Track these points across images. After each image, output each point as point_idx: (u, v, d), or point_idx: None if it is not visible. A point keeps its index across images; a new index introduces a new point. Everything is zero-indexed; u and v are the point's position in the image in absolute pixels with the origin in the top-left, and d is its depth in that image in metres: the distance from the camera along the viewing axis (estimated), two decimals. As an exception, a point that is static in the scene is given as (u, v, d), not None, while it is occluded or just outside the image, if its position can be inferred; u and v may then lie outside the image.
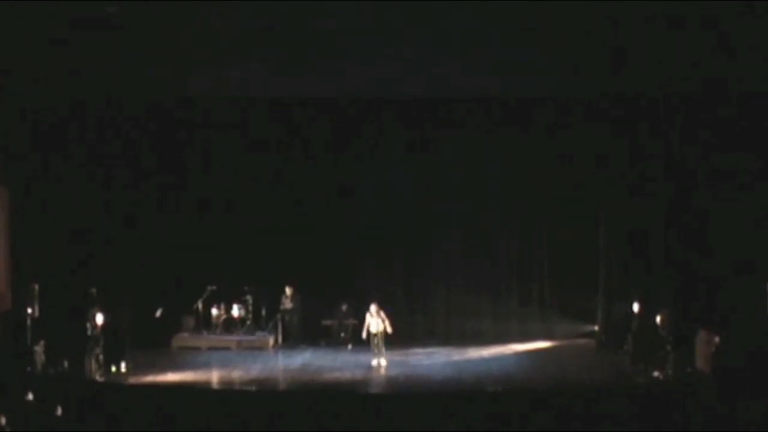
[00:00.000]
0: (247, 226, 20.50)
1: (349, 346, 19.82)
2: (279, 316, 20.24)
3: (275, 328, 20.26)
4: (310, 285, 20.35)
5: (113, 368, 16.96)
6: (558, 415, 13.29)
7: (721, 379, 14.70)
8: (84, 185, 19.10)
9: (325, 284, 20.51)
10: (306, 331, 20.48)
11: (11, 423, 11.91)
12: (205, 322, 20.35)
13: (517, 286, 21.10)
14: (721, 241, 18.27)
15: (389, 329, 17.98)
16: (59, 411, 12.62)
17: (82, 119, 19.06)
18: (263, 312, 20.48)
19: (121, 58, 17.76)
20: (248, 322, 20.39)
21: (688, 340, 16.33)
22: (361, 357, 18.62)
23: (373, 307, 18.20)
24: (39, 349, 16.43)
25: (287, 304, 20.27)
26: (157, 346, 19.35)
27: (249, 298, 20.39)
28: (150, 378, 16.64)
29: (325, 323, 20.44)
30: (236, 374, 17.18)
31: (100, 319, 16.98)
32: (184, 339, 20.10)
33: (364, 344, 18.61)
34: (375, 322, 18.21)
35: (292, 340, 20.30)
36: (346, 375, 17.13)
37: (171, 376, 16.81)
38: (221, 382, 16.95)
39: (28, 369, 16.06)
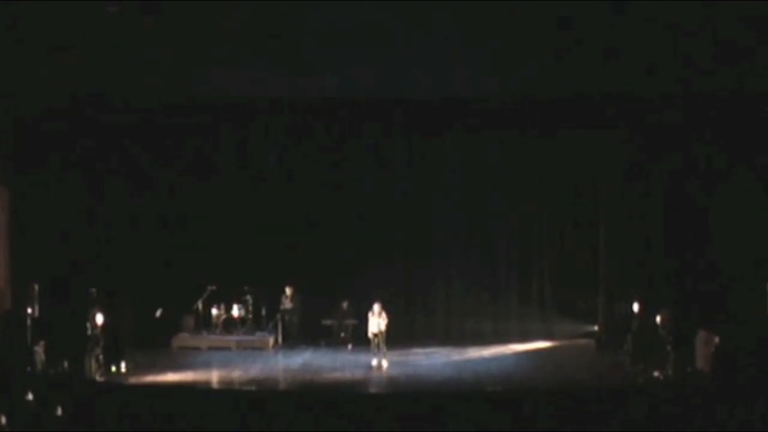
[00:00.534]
0: (247, 226, 20.51)
1: (349, 346, 19.83)
2: (279, 316, 20.25)
3: (275, 328, 20.26)
4: (310, 285, 20.36)
5: (113, 368, 16.95)
6: (558, 415, 13.29)
7: (721, 379, 14.71)
8: (84, 185, 19.10)
9: (325, 284, 20.50)
10: (306, 331, 20.49)
11: (11, 423, 11.92)
12: (205, 322, 20.35)
13: (517, 286, 21.10)
14: (721, 241, 18.27)
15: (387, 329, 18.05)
16: (59, 411, 12.62)
17: (82, 119, 19.05)
18: (263, 312, 20.49)
19: (121, 58, 17.77)
20: (248, 322, 20.39)
21: (688, 340, 16.33)
22: (361, 357, 18.64)
23: (376, 307, 18.27)
24: (39, 349, 16.44)
25: (287, 304, 20.28)
26: (157, 346, 19.34)
27: (249, 298, 20.40)
28: (150, 378, 16.65)
29: (325, 323, 20.43)
30: (236, 374, 17.18)
31: (100, 319, 16.98)
32: (184, 339, 20.10)
33: (364, 344, 18.63)
34: (377, 322, 18.24)
35: (292, 340, 20.31)
36: (346, 375, 17.14)
37: (171, 376, 16.81)
38: (221, 382, 16.95)
39: (28, 369, 16.07)
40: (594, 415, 13.24)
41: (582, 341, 20.24)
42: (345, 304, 20.22)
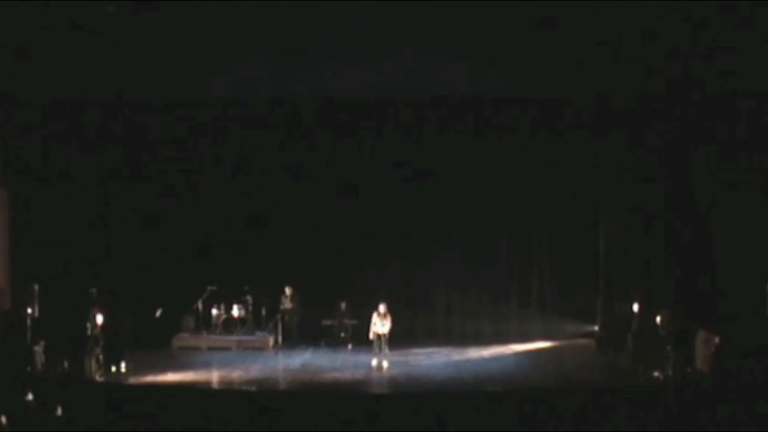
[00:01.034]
0: (247, 226, 20.51)
1: (349, 346, 19.83)
2: (279, 316, 20.24)
3: (275, 328, 20.26)
4: (310, 285, 20.35)
5: (113, 368, 16.93)
6: (558, 415, 13.29)
7: (721, 379, 14.71)
8: (84, 185, 19.10)
9: (325, 284, 20.49)
10: (306, 331, 20.48)
11: (11, 423, 11.92)
12: (205, 322, 20.34)
13: (517, 286, 21.10)
14: (722, 242, 18.26)
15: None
16: (59, 411, 12.62)
17: (82, 119, 19.05)
18: (263, 312, 20.48)
19: (121, 59, 17.78)
20: (248, 322, 20.39)
21: (688, 340, 16.32)
22: (361, 357, 18.64)
23: (382, 308, 18.25)
24: (39, 349, 16.42)
25: (287, 304, 20.28)
26: (157, 346, 19.33)
27: (249, 298, 20.38)
28: (150, 378, 16.63)
29: (325, 323, 20.42)
30: (236, 374, 17.16)
31: (100, 319, 16.97)
32: (184, 339, 20.09)
33: (364, 344, 18.60)
34: (381, 322, 18.22)
35: (292, 340, 20.31)
36: (346, 375, 17.12)
37: (171, 376, 16.80)
38: (221, 382, 16.93)
39: (28, 369, 16.06)
40: (594, 415, 13.24)
41: (582, 341, 20.23)
42: (343, 305, 20.21)
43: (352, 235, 20.84)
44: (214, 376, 17.31)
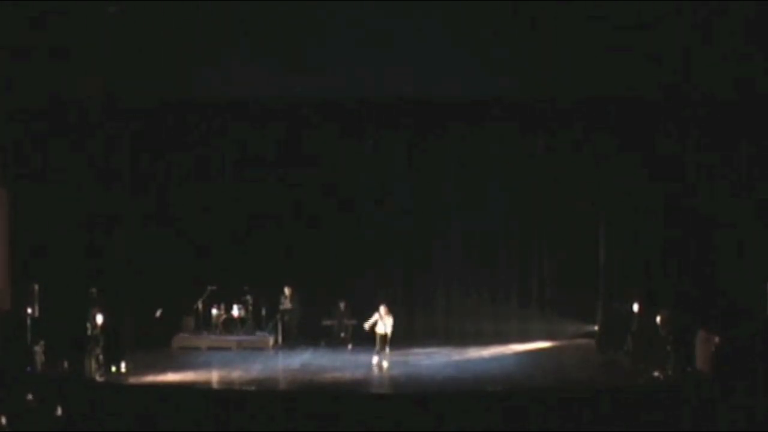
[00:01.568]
0: (247, 226, 20.51)
1: (349, 346, 19.83)
2: (279, 316, 20.24)
3: (275, 328, 20.25)
4: (310, 285, 20.36)
5: (113, 368, 16.93)
6: (558, 415, 13.30)
7: (721, 379, 14.70)
8: (84, 185, 19.08)
9: (324, 284, 20.50)
10: (306, 331, 20.48)
11: (11, 423, 11.92)
12: (205, 322, 20.34)
13: (517, 286, 21.09)
14: (721, 241, 18.26)
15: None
16: (59, 411, 12.62)
17: (82, 119, 19.04)
18: (263, 312, 20.48)
19: (121, 59, 17.78)
20: (248, 322, 20.39)
21: (688, 340, 16.32)
22: (361, 357, 18.64)
23: (382, 308, 18.27)
24: (39, 349, 16.42)
25: (286, 304, 20.28)
26: (157, 346, 19.33)
27: (249, 298, 20.38)
28: (150, 378, 16.63)
29: (325, 323, 20.42)
30: (236, 374, 17.17)
31: (100, 319, 16.96)
32: (184, 339, 20.09)
33: (364, 344, 18.60)
34: (382, 323, 18.24)
35: (292, 340, 20.30)
36: (346, 375, 17.12)
37: (171, 376, 16.80)
38: (221, 382, 16.94)
39: (28, 369, 16.07)
40: (594, 415, 13.25)
41: (582, 341, 20.22)
42: (343, 305, 20.21)
43: (352, 235, 20.83)
44: (214, 376, 17.31)
